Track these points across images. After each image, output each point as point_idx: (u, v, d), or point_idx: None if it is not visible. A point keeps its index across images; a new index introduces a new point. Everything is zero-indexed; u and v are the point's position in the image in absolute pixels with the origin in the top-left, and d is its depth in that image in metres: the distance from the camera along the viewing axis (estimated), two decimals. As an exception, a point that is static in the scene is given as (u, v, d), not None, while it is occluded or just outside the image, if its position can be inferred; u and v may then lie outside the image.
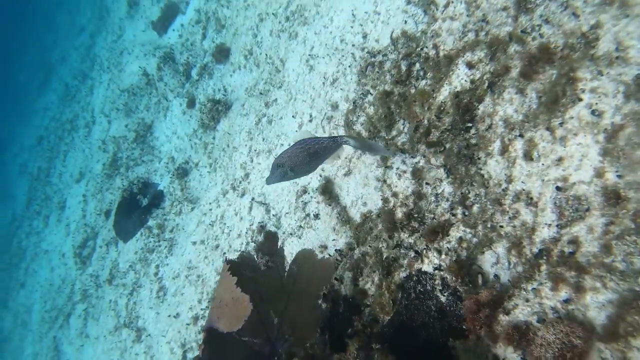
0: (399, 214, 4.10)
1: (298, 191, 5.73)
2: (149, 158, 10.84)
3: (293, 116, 6.37)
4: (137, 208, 10.13)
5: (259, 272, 4.02)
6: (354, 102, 5.30)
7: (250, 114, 7.47)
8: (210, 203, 7.67)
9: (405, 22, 5.15)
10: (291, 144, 4.21)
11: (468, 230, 3.60)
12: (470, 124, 3.88)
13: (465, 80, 3.98)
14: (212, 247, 7.00)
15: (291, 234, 5.59)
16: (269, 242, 4.30)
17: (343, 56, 5.88)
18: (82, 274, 11.82)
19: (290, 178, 3.98)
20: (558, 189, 3.00)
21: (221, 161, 7.90)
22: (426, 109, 4.22)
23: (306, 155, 3.78)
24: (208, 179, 8.17)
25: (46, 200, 16.43)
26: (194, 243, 7.55)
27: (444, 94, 4.12)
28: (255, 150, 6.92)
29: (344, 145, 3.90)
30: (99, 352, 9.61)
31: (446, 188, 3.91)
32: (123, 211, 10.31)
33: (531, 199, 3.19)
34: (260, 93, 7.46)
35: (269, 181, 3.96)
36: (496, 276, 3.38)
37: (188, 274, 7.35)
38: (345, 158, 5.21)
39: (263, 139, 6.84)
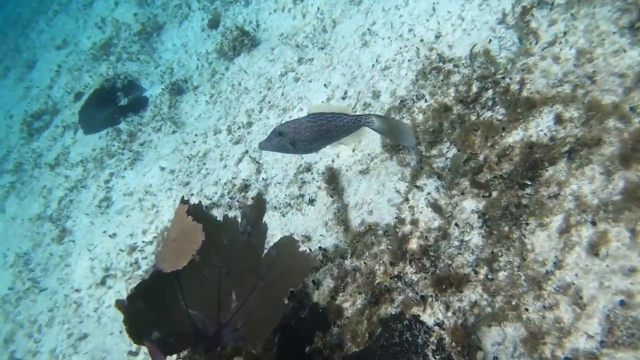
0: (414, 244, 3.57)
1: (301, 165, 5.09)
2: (145, 59, 9.79)
3: (325, 85, 5.67)
4: (113, 105, 9.14)
5: (237, 243, 3.38)
6: (401, 101, 4.68)
7: (277, 62, 6.69)
8: (196, 135, 6.88)
9: (490, 41, 4.56)
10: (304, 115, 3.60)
11: (486, 296, 3.12)
12: (529, 183, 3.38)
13: (545, 134, 3.46)
14: (182, 181, 6.26)
15: (275, 207, 4.97)
16: (257, 209, 3.65)
17: (406, 46, 5.22)
18: (24, 146, 10.69)
19: (287, 151, 3.59)
20: (622, 303, 2.54)
21: (225, 97, 7.09)
22: (488, 144, 3.68)
23: (316, 132, 3.35)
24: (203, 109, 7.35)
25: (15, 52, 14.83)
26: (162, 169, 6.76)
27: (514, 137, 3.58)
28: (268, 102, 6.18)
29: (365, 127, 3.47)
30: (9, 233, 8.68)
31: (476, 239, 3.40)
32: (96, 101, 9.27)
33: (580, 297, 2.73)
34: (297, 45, 6.68)
35: (262, 146, 3.55)
36: (496, 358, 2.93)
37: (143, 198, 6.57)
38: (369, 155, 4.61)
39: (282, 95, 6.11)
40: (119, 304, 3.07)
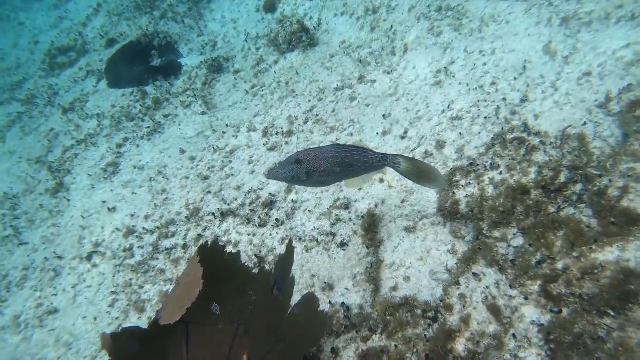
0: (460, 346, 3.06)
1: (338, 200, 4.56)
2: (190, 23, 9.18)
3: (384, 115, 5.13)
4: (145, 63, 8.56)
5: (266, 299, 2.86)
6: (471, 163, 4.15)
7: (334, 72, 6.13)
8: (227, 125, 6.32)
9: (585, 123, 4.04)
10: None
11: None
12: (613, 314, 2.87)
13: (645, 262, 2.95)
14: (200, 174, 5.70)
15: (300, 238, 4.44)
16: (287, 260, 3.13)
17: (485, 101, 4.69)
18: (42, 79, 10.08)
19: (297, 182, 3.28)
20: None
21: (268, 92, 6.53)
22: (573, 254, 3.16)
23: (337, 164, 3.11)
24: (240, 97, 6.78)
25: (57, -23, 14.13)
26: (182, 152, 6.20)
27: (607, 256, 3.07)
28: (316, 115, 5.63)
29: (389, 168, 3.24)
30: (4, 168, 8.10)
31: (534, 360, 2.89)
32: (129, 54, 8.68)
33: None
34: (360, 60, 6.12)
35: (271, 174, 3.25)
36: None
37: (154, 178, 6.02)
38: (419, 212, 4.09)
39: (333, 111, 5.55)
40: (105, 339, 2.54)
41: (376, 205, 4.35)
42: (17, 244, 6.32)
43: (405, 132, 4.83)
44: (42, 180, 7.26)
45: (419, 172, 3.28)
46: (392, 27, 6.34)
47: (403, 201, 4.27)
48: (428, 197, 4.18)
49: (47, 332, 5.19)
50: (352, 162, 3.13)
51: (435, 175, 3.30)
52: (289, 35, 6.95)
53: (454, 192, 3.99)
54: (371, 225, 4.18)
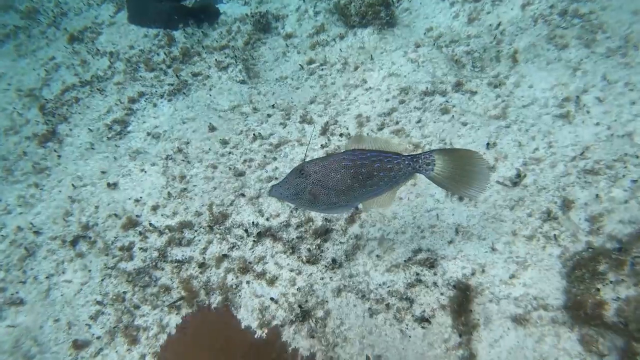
0: None
1: (420, 250, 3.41)
2: (238, -36, 7.65)
3: (488, 144, 3.91)
4: (177, 1, 7.08)
5: None
6: (619, 247, 3.01)
7: (421, 68, 4.83)
8: (273, 106, 5.03)
9: None
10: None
11: None
12: None
13: None
14: (233, 166, 4.46)
15: (363, 295, 3.30)
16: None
17: (637, 157, 3.51)
18: (51, -7, 8.50)
19: (303, 205, 2.52)
20: None
21: (330, 74, 5.23)
22: None
23: (351, 174, 2.38)
24: (291, 71, 5.46)
25: None
26: (211, 128, 4.92)
27: None
28: (395, 122, 4.38)
29: (423, 173, 2.47)
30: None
31: None
32: (158, -14, 7.17)
33: None
34: (455, 60, 4.83)
35: (273, 191, 2.53)
36: None
37: (171, 156, 4.76)
38: (534, 298, 2.97)
39: (419, 121, 4.31)
40: None
41: (473, 273, 3.21)
42: (-14, 199, 5.07)
43: (518, 175, 3.64)
44: (30, 121, 5.93)
45: (458, 170, 2.43)
46: (498, 23, 5.02)
47: (512, 276, 3.14)
48: (550, 277, 3.05)
49: (4, 328, 4.04)
50: (371, 173, 2.39)
51: (481, 166, 2.43)
52: (364, 7, 5.57)
53: (597, 289, 2.85)
54: (463, 303, 3.05)
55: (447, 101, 4.37)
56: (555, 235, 3.21)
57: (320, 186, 2.41)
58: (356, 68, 5.09)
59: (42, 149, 5.48)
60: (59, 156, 5.25)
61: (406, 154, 2.47)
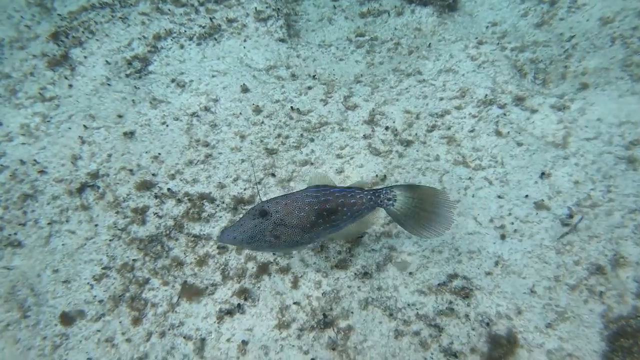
0: None
1: (456, 275, 3.24)
2: None
3: (542, 173, 3.67)
4: None
5: None
6: None
7: (481, 69, 4.45)
8: (313, 76, 4.62)
9: None
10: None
11: None
12: None
13: None
14: (264, 140, 4.12)
15: (390, 312, 3.15)
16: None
17: None
18: None
19: (261, 248, 2.51)
20: None
21: (378, 52, 4.79)
22: None
23: (315, 212, 2.41)
24: (335, 38, 5.00)
25: None
26: (244, 89, 4.49)
27: None
28: (447, 126, 4.07)
29: (383, 208, 2.58)
30: None
31: None
32: None
33: None
34: (518, 68, 4.46)
35: (224, 237, 2.47)
36: None
37: (197, 113, 4.36)
38: (569, 355, 2.87)
39: (471, 131, 4.01)
40: None
41: (508, 313, 3.07)
42: (-14, 119, 4.63)
43: (570, 216, 3.44)
44: (40, 37, 5.35)
45: (420, 208, 2.48)
46: (571, 35, 4.62)
47: (549, 325, 3.02)
48: (590, 336, 2.94)
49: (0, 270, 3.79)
50: (335, 208, 2.45)
51: (445, 206, 2.50)
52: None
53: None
54: (500, 346, 2.94)
55: (504, 114, 4.05)
56: (601, 292, 3.07)
57: (283, 225, 2.39)
58: (410, 52, 4.67)
59: (52, 72, 4.97)
60: (71, 85, 4.77)
61: (367, 189, 2.54)
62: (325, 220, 2.46)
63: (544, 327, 3.01)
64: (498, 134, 3.93)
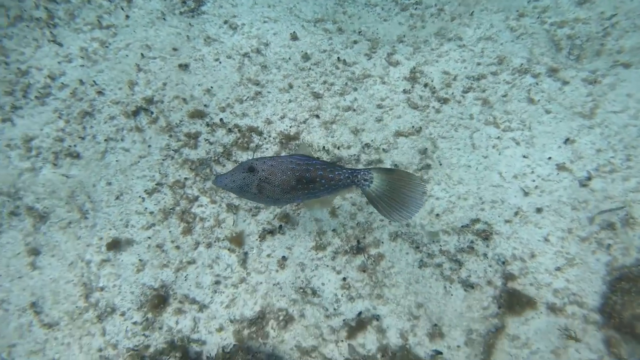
0: None
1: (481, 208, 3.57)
2: None
3: (567, 139, 3.96)
4: None
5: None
6: None
7: (520, 39, 4.67)
8: (359, 32, 4.84)
9: None
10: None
11: None
12: None
13: None
14: (310, 85, 4.39)
15: (417, 245, 3.49)
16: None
17: None
18: None
19: (246, 196, 2.75)
20: None
21: (420, 15, 5.01)
22: None
23: (296, 178, 2.64)
24: None
25: None
26: (294, 37, 4.74)
27: None
28: (482, 89, 4.33)
29: (359, 187, 2.70)
30: None
31: None
32: None
33: None
34: (555, 41, 4.68)
35: (219, 181, 2.73)
36: None
37: (248, 54, 4.62)
38: (573, 294, 3.22)
39: (504, 95, 4.27)
40: None
41: (522, 256, 3.42)
42: (48, 38, 4.90)
43: (588, 178, 3.74)
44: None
45: (394, 191, 2.61)
46: (612, 14, 4.82)
47: (558, 269, 3.37)
48: (593, 280, 3.29)
49: (59, 176, 4.16)
50: (314, 179, 2.63)
51: (418, 190, 2.59)
52: (476, -48, 5.20)
53: None
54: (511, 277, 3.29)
55: (537, 84, 4.31)
56: (609, 244, 3.40)
57: (267, 183, 2.61)
58: (453, 19, 4.89)
59: (108, 2, 5.21)
60: (127, 17, 5.03)
61: (347, 168, 2.68)
62: (303, 186, 2.64)
63: (553, 270, 3.36)
64: (529, 100, 4.20)
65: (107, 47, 4.79)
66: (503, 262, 3.40)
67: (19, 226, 3.95)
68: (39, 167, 4.22)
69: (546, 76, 4.36)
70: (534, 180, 3.79)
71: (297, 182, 2.62)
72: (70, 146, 4.23)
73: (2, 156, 4.30)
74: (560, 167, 3.81)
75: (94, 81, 4.53)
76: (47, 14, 5.21)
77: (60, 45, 4.88)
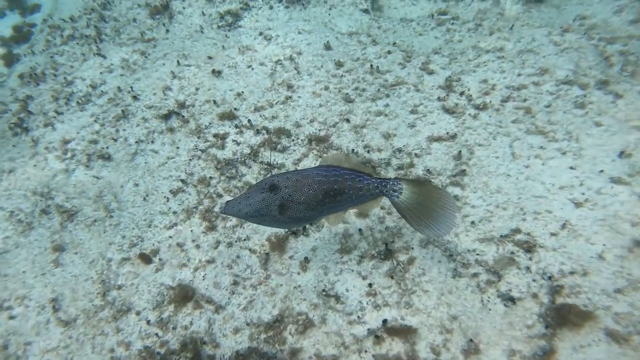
0: None
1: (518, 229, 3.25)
2: None
3: (622, 152, 3.63)
4: None
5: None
6: None
7: (565, 53, 4.46)
8: (394, 43, 4.79)
9: None
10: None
11: None
12: None
13: None
14: (342, 90, 4.31)
15: (451, 254, 3.20)
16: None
17: None
18: None
19: (265, 222, 2.45)
20: None
21: (458, 31, 4.91)
22: None
23: (323, 192, 2.39)
24: (417, 15, 5.16)
25: None
26: (327, 47, 4.74)
27: None
28: (523, 99, 4.11)
29: (388, 197, 2.52)
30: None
31: None
32: None
33: None
34: (605, 57, 4.44)
35: (230, 208, 2.38)
36: None
37: (281, 62, 4.63)
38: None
39: (548, 106, 4.02)
40: None
41: (573, 272, 3.06)
42: (94, 52, 5.13)
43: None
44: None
45: (424, 205, 2.46)
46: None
47: (618, 291, 2.97)
48: (656, 304, 2.87)
49: (90, 177, 4.18)
50: (342, 190, 2.43)
51: (450, 208, 2.45)
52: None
53: None
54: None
55: (585, 96, 4.05)
56: (676, 263, 3.00)
57: (290, 201, 2.34)
58: (491, 33, 4.76)
59: (152, 20, 5.44)
60: (167, 31, 5.21)
61: (376, 177, 2.49)
62: (331, 200, 2.43)
63: (612, 292, 2.97)
64: (576, 112, 3.93)
65: (146, 57, 4.94)
66: (549, 277, 3.05)
67: (47, 224, 3.96)
68: (72, 169, 4.27)
69: (595, 89, 4.10)
70: (583, 193, 3.46)
71: (325, 195, 2.39)
72: (102, 148, 4.29)
73: (41, 158, 4.40)
74: (616, 181, 3.47)
75: (131, 87, 4.64)
76: (96, 31, 5.49)
77: (104, 57, 5.08)
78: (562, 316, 2.88)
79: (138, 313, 3.33)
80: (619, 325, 2.82)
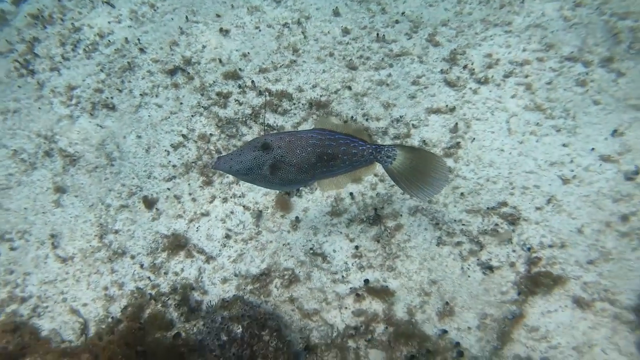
0: None
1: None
2: None
3: (615, 131, 3.66)
4: None
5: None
6: None
7: (573, 29, 4.42)
8: (402, 13, 4.75)
9: None
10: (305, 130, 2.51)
11: None
12: None
13: None
14: (346, 57, 4.32)
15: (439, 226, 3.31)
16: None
17: None
18: None
19: (255, 181, 2.43)
20: None
21: (468, 3, 4.85)
22: None
23: (317, 155, 2.36)
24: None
25: None
26: (335, 13, 4.72)
27: None
28: (525, 76, 4.11)
29: (381, 164, 2.50)
30: None
31: None
32: None
33: None
34: (615, 33, 4.40)
35: (221, 164, 2.37)
36: None
37: (288, 24, 4.62)
38: (605, 291, 2.93)
39: (549, 84, 4.03)
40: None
41: (552, 245, 3.16)
42: (103, 0, 5.14)
43: (636, 173, 3.43)
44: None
45: (417, 170, 2.47)
46: None
47: (590, 262, 3.08)
48: (631, 278, 2.98)
49: (94, 125, 4.29)
50: (336, 154, 2.38)
51: (440, 173, 2.48)
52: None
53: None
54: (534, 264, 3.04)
55: (587, 73, 4.04)
56: (653, 243, 3.09)
57: (282, 162, 2.32)
58: (502, 6, 4.70)
59: (162, -26, 5.40)
60: (176, -15, 5.18)
61: (371, 143, 2.46)
62: (323, 164, 2.39)
63: (585, 263, 3.07)
64: (576, 90, 3.93)
65: (155, 10, 4.95)
66: (529, 249, 3.16)
67: (50, 166, 4.10)
68: (76, 116, 4.38)
69: (599, 66, 4.08)
70: (572, 170, 3.52)
71: (318, 159, 2.35)
72: (107, 98, 4.37)
73: (46, 101, 4.51)
74: (605, 159, 3.52)
75: (138, 39, 4.68)
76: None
77: (113, 6, 5.09)
78: (535, 281, 3.00)
79: (133, 257, 3.50)
80: (586, 293, 2.95)
